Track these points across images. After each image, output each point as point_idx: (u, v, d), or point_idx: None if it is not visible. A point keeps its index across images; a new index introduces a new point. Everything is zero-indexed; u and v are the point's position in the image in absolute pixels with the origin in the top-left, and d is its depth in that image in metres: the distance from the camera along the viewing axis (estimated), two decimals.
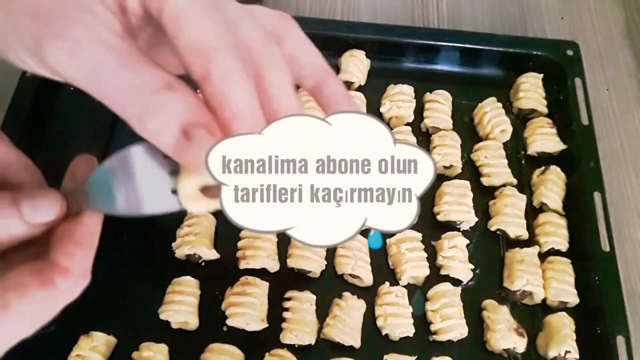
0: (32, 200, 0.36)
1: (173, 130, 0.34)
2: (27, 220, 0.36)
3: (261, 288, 0.78)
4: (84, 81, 0.34)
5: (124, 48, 0.34)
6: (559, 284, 0.80)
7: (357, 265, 0.79)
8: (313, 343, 0.76)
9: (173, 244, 0.81)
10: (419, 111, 0.95)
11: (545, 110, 0.95)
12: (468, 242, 0.84)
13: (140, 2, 0.36)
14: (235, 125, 0.35)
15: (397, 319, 0.76)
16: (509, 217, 0.84)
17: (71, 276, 0.36)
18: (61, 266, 0.36)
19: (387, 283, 0.80)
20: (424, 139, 0.93)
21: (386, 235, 0.84)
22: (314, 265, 0.80)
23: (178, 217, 0.83)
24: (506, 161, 0.90)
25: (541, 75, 0.97)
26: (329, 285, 0.81)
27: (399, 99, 0.93)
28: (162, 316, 0.75)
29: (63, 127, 0.90)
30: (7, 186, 0.41)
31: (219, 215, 0.83)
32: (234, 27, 0.36)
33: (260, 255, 0.79)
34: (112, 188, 0.38)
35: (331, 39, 0.97)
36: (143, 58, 0.35)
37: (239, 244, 0.81)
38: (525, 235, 0.85)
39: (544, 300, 0.81)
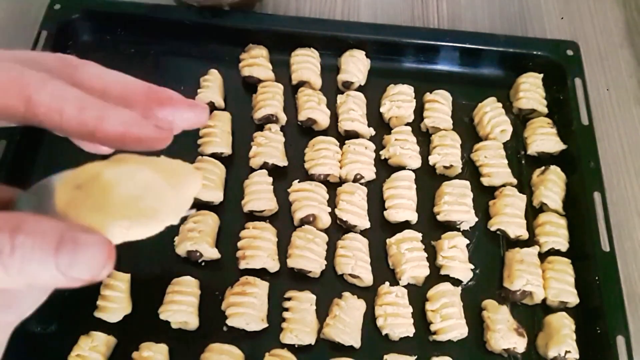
0: (73, 248, 0.30)
1: None
2: (63, 272, 0.30)
3: (261, 288, 0.77)
4: None
5: None
6: (559, 284, 0.80)
7: (357, 265, 0.79)
8: (313, 343, 0.76)
9: (175, 238, 0.81)
10: (419, 111, 0.95)
11: (545, 110, 0.95)
12: (468, 242, 0.84)
13: None
14: (101, 122, 0.34)
15: (397, 319, 0.76)
16: (509, 217, 0.84)
17: None
18: None
19: (387, 283, 0.80)
20: (424, 139, 0.93)
21: (386, 235, 0.84)
22: (314, 265, 0.79)
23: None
24: (506, 161, 0.90)
25: (541, 75, 0.97)
26: (329, 285, 0.81)
27: (399, 99, 0.93)
28: (162, 316, 0.75)
29: None
30: None
31: (221, 215, 0.83)
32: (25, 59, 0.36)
33: (260, 255, 0.79)
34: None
35: (331, 39, 0.97)
36: None
37: (239, 244, 0.81)
38: (525, 235, 0.85)
39: (544, 300, 0.81)
